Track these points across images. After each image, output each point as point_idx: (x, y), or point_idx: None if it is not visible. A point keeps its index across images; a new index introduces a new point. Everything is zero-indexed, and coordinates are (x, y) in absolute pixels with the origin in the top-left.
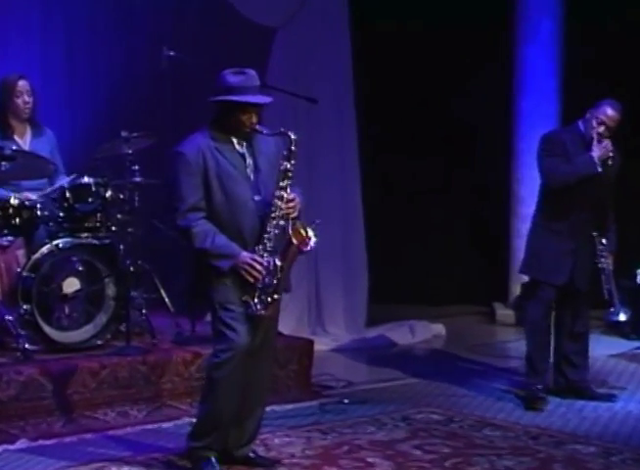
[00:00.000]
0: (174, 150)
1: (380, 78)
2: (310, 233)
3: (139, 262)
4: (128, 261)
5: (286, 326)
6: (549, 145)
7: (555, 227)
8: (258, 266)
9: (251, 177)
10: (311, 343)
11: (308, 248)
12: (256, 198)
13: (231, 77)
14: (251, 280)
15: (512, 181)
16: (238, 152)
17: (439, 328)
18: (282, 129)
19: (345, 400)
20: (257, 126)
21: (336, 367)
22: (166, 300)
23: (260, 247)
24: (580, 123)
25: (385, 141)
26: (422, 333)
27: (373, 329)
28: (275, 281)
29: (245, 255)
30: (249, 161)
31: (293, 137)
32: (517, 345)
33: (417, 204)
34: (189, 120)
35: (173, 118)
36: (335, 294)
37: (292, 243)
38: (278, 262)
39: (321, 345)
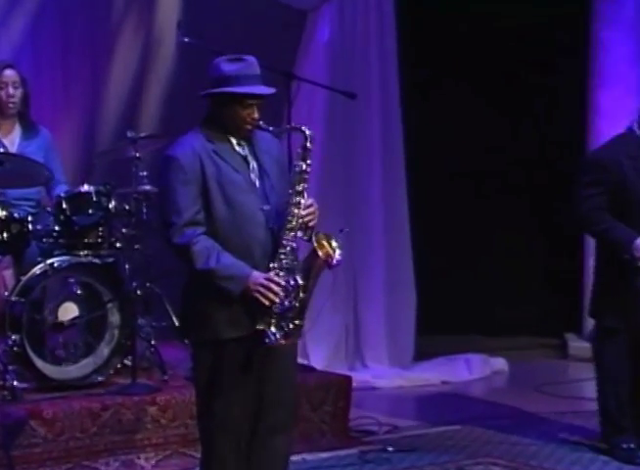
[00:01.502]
0: (164, 154)
1: (432, 67)
2: (335, 244)
3: (148, 285)
4: (135, 284)
5: (319, 360)
6: (587, 173)
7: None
8: (275, 287)
9: (257, 183)
10: (349, 380)
11: (334, 262)
12: (265, 207)
13: (226, 65)
14: (267, 303)
15: None
16: (239, 154)
17: (501, 363)
18: (292, 124)
19: (390, 448)
20: (261, 122)
21: (378, 409)
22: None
23: (276, 264)
24: (637, 126)
25: (437, 139)
26: (480, 369)
27: (422, 364)
28: (297, 304)
29: (257, 274)
30: (252, 164)
31: (307, 132)
32: (594, 384)
33: (474, 215)
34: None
35: (188, 116)
36: (376, 321)
37: (317, 256)
38: (300, 281)
39: (360, 382)
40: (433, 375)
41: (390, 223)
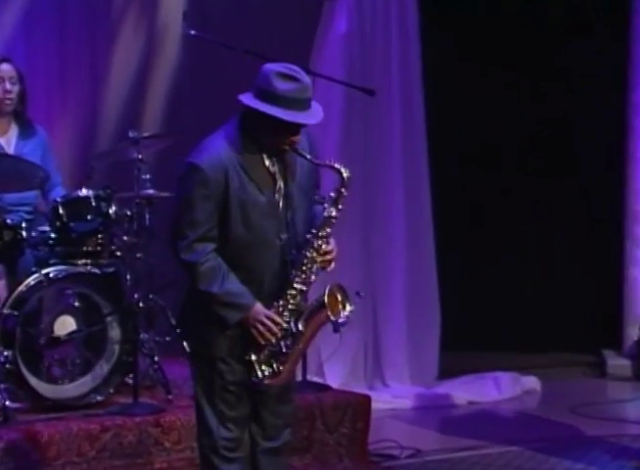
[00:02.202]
0: (189, 162)
1: (459, 60)
2: (347, 303)
3: (151, 297)
4: (137, 295)
5: (335, 378)
6: None
7: None
8: (274, 328)
9: (280, 205)
10: (368, 400)
11: (340, 320)
12: (283, 236)
13: (279, 83)
14: (263, 342)
15: (626, 194)
16: (268, 169)
17: (533, 382)
18: (332, 162)
19: None
20: (299, 148)
21: (399, 431)
22: (185, 344)
23: (281, 303)
24: None
25: (462, 143)
26: (510, 388)
27: (446, 382)
28: (291, 350)
29: (259, 309)
30: (279, 183)
31: (345, 175)
32: (635, 405)
33: (503, 222)
34: (214, 118)
35: (195, 115)
36: (397, 337)
37: (324, 307)
38: (300, 327)
39: (380, 402)
40: (458, 395)
41: (413, 231)
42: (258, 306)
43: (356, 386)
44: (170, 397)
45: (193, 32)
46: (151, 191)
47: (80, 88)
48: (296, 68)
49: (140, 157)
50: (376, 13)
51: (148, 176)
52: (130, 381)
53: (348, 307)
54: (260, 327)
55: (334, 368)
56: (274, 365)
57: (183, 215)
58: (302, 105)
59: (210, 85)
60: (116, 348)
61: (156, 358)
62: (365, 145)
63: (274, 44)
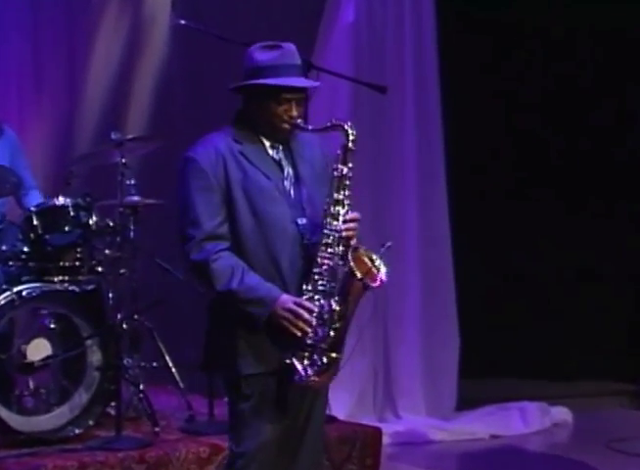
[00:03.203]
0: (184, 156)
1: (478, 54)
2: (378, 262)
3: (136, 317)
4: (120, 316)
5: (342, 409)
6: None
7: None
8: (306, 315)
9: (292, 193)
10: (378, 432)
11: (377, 283)
12: (300, 221)
13: (260, 54)
14: (298, 333)
15: None
16: (272, 158)
17: (564, 413)
18: (333, 120)
19: None
20: (299, 121)
21: (413, 467)
22: (173, 370)
23: (309, 286)
24: None
25: (484, 147)
26: (538, 420)
27: (466, 413)
28: (332, 333)
29: (286, 298)
30: (287, 170)
31: (350, 131)
32: None
33: (531, 234)
34: (207, 117)
35: (185, 114)
36: (411, 363)
37: (354, 276)
38: (335, 306)
39: (392, 435)
40: (480, 427)
41: (428, 244)
42: (285, 296)
43: (365, 417)
44: (157, 429)
45: (183, 22)
46: (136, 198)
47: (56, 85)
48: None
49: (124, 161)
50: (386, 1)
51: (133, 182)
52: (112, 412)
53: (382, 268)
54: (291, 316)
55: (340, 398)
56: (318, 359)
57: (185, 216)
58: (289, 71)
59: (203, 81)
60: (97, 374)
61: (141, 386)
62: (375, 148)
63: (273, 35)
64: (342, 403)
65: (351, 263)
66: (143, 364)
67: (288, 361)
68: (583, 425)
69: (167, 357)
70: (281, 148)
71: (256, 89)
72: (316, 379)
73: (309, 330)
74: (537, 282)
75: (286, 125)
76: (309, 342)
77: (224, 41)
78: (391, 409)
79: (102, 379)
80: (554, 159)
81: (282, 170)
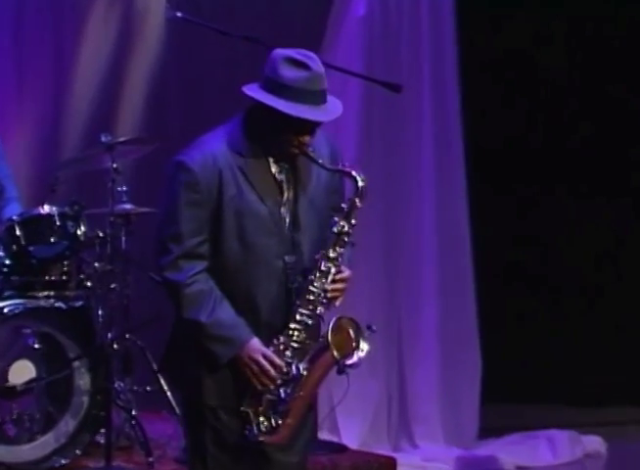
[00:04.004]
0: (176, 159)
1: (500, 50)
2: (361, 340)
3: (127, 337)
4: (110, 335)
5: (352, 437)
6: None
7: None
8: (273, 372)
9: (287, 221)
10: (393, 463)
11: (352, 361)
12: (288, 259)
13: (287, 69)
14: (259, 387)
15: None
16: (274, 178)
17: (597, 442)
18: (345, 166)
19: None
20: (310, 149)
21: None
22: (169, 394)
23: (282, 339)
24: None
25: (508, 150)
26: (568, 450)
27: (490, 442)
28: (292, 398)
29: (256, 346)
30: (287, 194)
31: (360, 184)
32: None
33: (558, 246)
34: (205, 118)
35: (181, 115)
36: (428, 387)
37: (328, 348)
38: (303, 371)
39: (408, 466)
40: (504, 458)
41: (446, 254)
42: (255, 343)
43: (378, 446)
44: (151, 459)
45: (179, 15)
46: (128, 207)
47: (41, 82)
48: (311, 54)
49: (115, 165)
50: None
51: (124, 189)
52: (102, 440)
53: (364, 347)
54: (256, 368)
55: (351, 424)
56: (272, 418)
57: (167, 226)
58: (314, 98)
59: (201, 80)
60: (85, 399)
61: (133, 412)
62: (388, 151)
63: (278, 29)
64: (353, 431)
65: (330, 333)
66: (135, 388)
67: (243, 409)
68: (618, 456)
69: (162, 381)
70: (286, 167)
71: (277, 113)
72: (264, 439)
73: (272, 387)
74: (567, 300)
75: (295, 150)
76: (269, 398)
77: (224, 35)
78: (407, 437)
79: (90, 404)
80: (582, 166)
81: (281, 194)
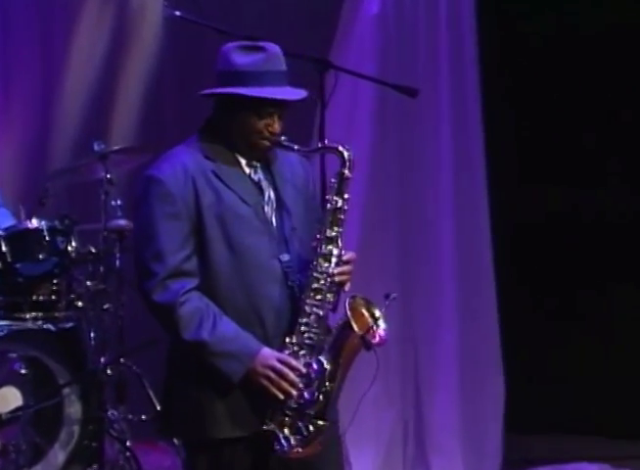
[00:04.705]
0: (146, 175)
1: (524, 51)
2: (378, 314)
3: (122, 361)
4: (103, 360)
5: (366, 467)
6: None
7: None
8: (292, 375)
9: (274, 221)
10: None
11: (376, 340)
12: (283, 257)
13: (238, 56)
14: (281, 396)
15: None
16: (250, 179)
17: None
18: (326, 142)
19: None
20: (283, 138)
21: None
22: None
23: (294, 339)
24: None
25: (532, 159)
26: None
27: None
28: (321, 397)
29: (268, 353)
30: (268, 193)
31: (346, 154)
32: None
33: (591, 258)
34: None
35: (180, 122)
36: (447, 415)
37: (351, 330)
38: (326, 365)
39: None
40: None
41: (467, 271)
42: (266, 351)
43: None
44: None
45: (178, 13)
46: (122, 222)
47: (28, 86)
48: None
49: (108, 176)
50: None
51: (119, 203)
52: None
53: (382, 323)
54: (273, 375)
55: (362, 456)
56: (301, 427)
57: (145, 246)
58: (273, 79)
59: (201, 84)
60: (76, 429)
61: (128, 443)
62: (403, 162)
63: (283, 29)
64: (366, 461)
65: (349, 314)
66: (130, 417)
67: (267, 428)
68: None
69: (158, 407)
70: (259, 166)
71: (233, 98)
72: (300, 450)
73: (294, 393)
74: (598, 321)
75: (266, 142)
76: (293, 406)
77: (226, 36)
78: (424, 466)
79: (82, 435)
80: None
81: (262, 193)
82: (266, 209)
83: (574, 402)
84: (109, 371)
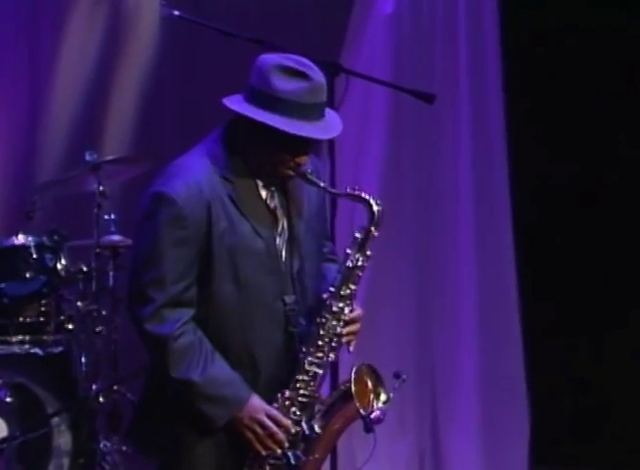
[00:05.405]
0: (155, 191)
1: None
2: (381, 391)
3: (115, 388)
4: (95, 387)
5: None
6: None
7: None
8: (279, 433)
9: (284, 255)
10: None
11: (372, 417)
12: (287, 299)
13: (279, 80)
14: (263, 453)
15: None
16: (266, 204)
17: None
18: (355, 189)
19: None
20: (309, 171)
21: None
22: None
23: (288, 394)
24: None
25: (559, 171)
26: None
27: None
28: (304, 464)
29: (258, 405)
30: (282, 223)
31: (376, 210)
32: None
33: (625, 270)
34: (204, 135)
35: (179, 130)
36: (466, 444)
37: (350, 397)
38: (317, 429)
39: None
40: None
41: (488, 290)
42: (256, 401)
43: None
44: None
45: (176, 13)
46: (116, 238)
47: (14, 90)
48: (305, 60)
49: (101, 189)
50: None
51: (112, 217)
52: None
53: (383, 397)
54: (259, 431)
55: None
56: None
57: (147, 270)
58: (312, 113)
59: (201, 89)
60: (65, 462)
61: None
62: (420, 172)
63: (289, 29)
64: None
65: (353, 379)
66: (124, 449)
67: None
68: None
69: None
70: (275, 191)
71: (267, 128)
72: None
73: (279, 452)
74: (632, 341)
75: (291, 172)
76: (275, 462)
77: (228, 37)
78: None
79: (72, 467)
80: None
81: (276, 223)
82: (278, 241)
83: (603, 434)
84: (101, 399)
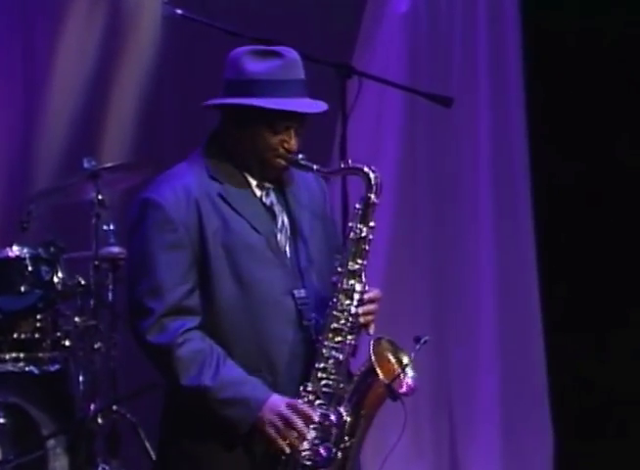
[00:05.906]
0: (142, 198)
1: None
2: (406, 361)
3: (114, 409)
4: (93, 407)
5: None
6: None
7: None
8: (300, 423)
9: (287, 251)
10: None
11: (404, 389)
12: (297, 293)
13: (251, 62)
14: (286, 450)
15: None
16: (261, 202)
17: None
18: (349, 163)
19: None
20: (300, 156)
21: None
22: None
23: (309, 387)
24: None
25: (580, 177)
26: None
27: None
28: (339, 454)
29: (277, 399)
30: (281, 219)
31: (372, 176)
32: None
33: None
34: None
35: (180, 135)
36: (487, 466)
37: (375, 377)
38: (345, 416)
39: None
40: None
41: (508, 300)
42: (276, 397)
43: None
44: None
45: (179, 12)
46: (115, 249)
47: (8, 94)
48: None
49: (100, 197)
50: None
51: (111, 227)
52: None
53: (410, 371)
54: (282, 426)
55: None
56: None
57: (141, 279)
58: (292, 89)
59: (204, 92)
60: None
61: None
62: (437, 178)
63: (299, 29)
64: None
65: (373, 359)
66: None
67: None
68: None
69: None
70: (271, 188)
71: (244, 110)
72: None
73: (307, 448)
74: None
75: (281, 161)
76: (306, 463)
77: (233, 37)
78: None
79: None
80: None
81: (274, 219)
82: (279, 237)
83: (633, 452)
84: (99, 420)
